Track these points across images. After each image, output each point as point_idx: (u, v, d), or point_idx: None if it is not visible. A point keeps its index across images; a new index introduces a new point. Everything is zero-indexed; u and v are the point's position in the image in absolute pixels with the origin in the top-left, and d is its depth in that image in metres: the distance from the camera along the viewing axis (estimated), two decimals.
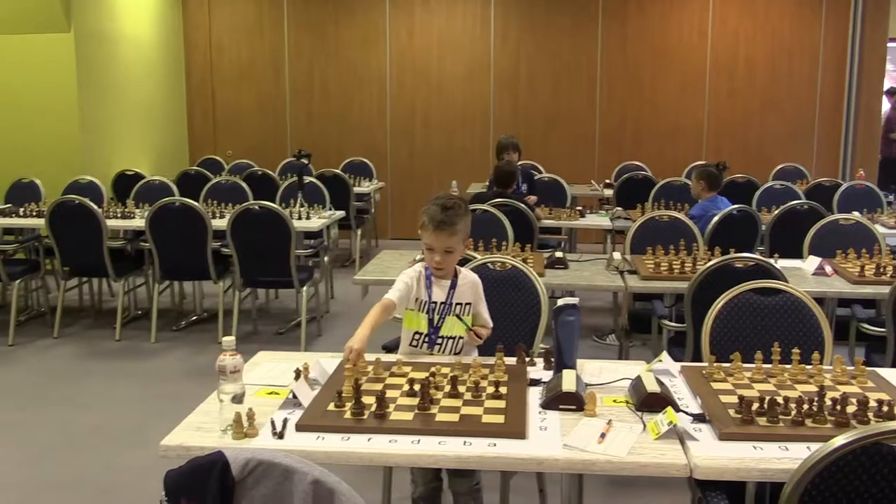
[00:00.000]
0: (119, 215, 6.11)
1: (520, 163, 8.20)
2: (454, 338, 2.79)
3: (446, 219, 2.70)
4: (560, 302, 2.51)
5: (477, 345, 2.82)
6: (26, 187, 6.91)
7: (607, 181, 8.21)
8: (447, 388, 2.33)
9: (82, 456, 3.93)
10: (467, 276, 2.87)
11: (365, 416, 2.15)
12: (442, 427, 2.09)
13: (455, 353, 2.79)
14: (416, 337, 2.76)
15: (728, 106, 9.52)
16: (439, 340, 2.78)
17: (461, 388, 2.34)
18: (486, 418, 2.15)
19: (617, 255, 4.35)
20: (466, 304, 2.80)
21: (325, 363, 2.57)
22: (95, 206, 5.70)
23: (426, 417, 2.15)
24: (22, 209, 6.27)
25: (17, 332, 5.81)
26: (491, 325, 2.84)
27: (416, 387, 2.29)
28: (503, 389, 2.34)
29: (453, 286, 2.81)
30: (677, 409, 2.17)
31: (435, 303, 2.75)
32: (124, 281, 6.01)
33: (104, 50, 8.08)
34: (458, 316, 2.74)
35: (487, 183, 7.17)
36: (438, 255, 2.71)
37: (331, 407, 2.22)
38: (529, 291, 3.17)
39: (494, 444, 2.01)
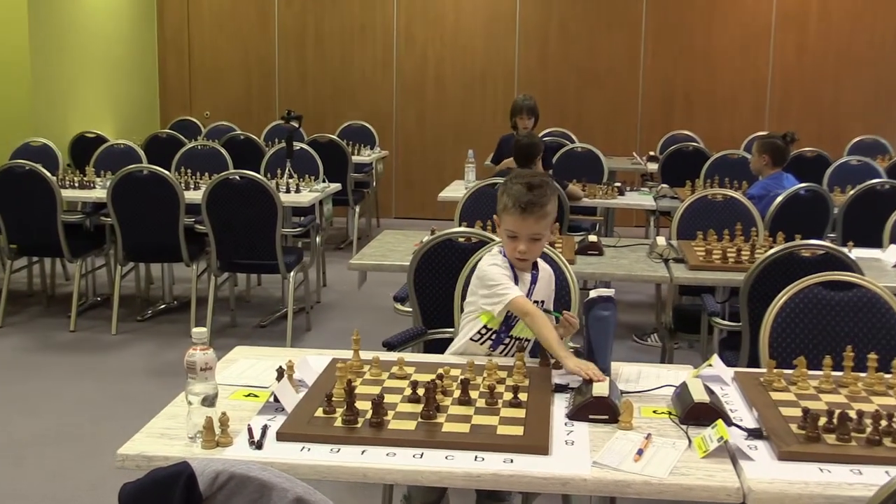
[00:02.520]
0: (76, 185, 6.14)
1: (548, 131, 8.26)
2: (522, 339, 2.80)
3: (534, 199, 2.67)
4: (593, 294, 2.51)
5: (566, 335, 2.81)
6: None
7: (651, 153, 8.20)
8: (457, 394, 2.33)
9: (25, 466, 3.96)
10: (545, 268, 2.87)
11: (359, 425, 2.14)
12: (449, 439, 2.09)
13: None
14: (483, 332, 2.77)
15: (796, 66, 9.44)
16: (506, 340, 2.79)
17: (473, 394, 2.33)
18: (503, 429, 2.15)
19: (661, 241, 4.33)
20: (541, 300, 2.80)
21: (312, 361, 2.57)
22: (48, 174, 5.71)
23: (431, 427, 2.15)
24: None
25: None
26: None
27: (420, 391, 2.29)
28: (523, 396, 2.33)
29: (534, 280, 2.80)
30: (729, 423, 2.15)
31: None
32: (81, 262, 6.03)
33: None
34: (548, 311, 2.74)
35: (492, 156, 7.18)
36: (523, 244, 2.70)
37: (319, 413, 2.22)
38: (558, 281, 3.14)
39: (511, 461, 2.00)
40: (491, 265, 2.77)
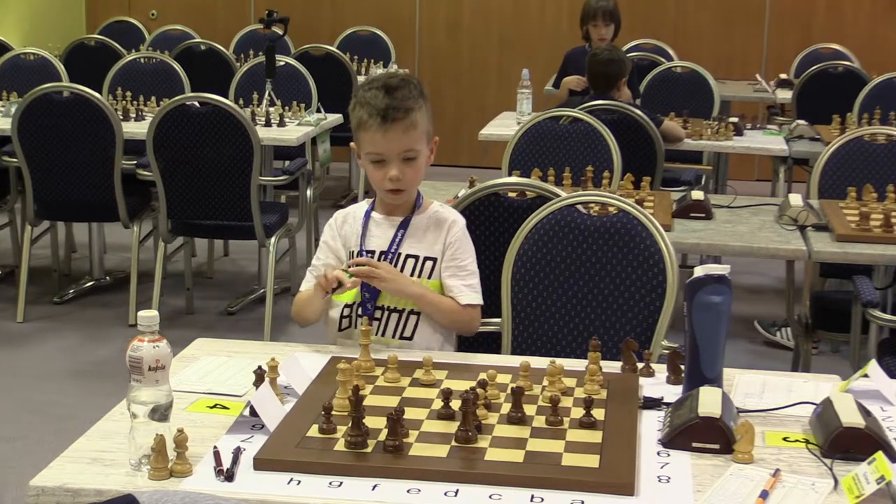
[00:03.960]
0: None
1: (634, 44, 8.21)
2: (402, 311, 2.90)
3: (396, 103, 2.80)
4: (698, 272, 2.50)
5: (458, 328, 2.99)
6: None
7: (782, 76, 8.11)
8: (506, 408, 2.35)
9: None
10: (436, 214, 2.97)
11: (369, 449, 2.17)
12: (495, 470, 2.10)
13: (403, 338, 2.91)
14: (346, 312, 2.94)
15: None
16: (377, 314, 2.89)
17: (529, 409, 2.35)
18: (570, 459, 2.16)
19: (796, 200, 4.31)
20: (427, 259, 2.91)
21: (303, 361, 2.59)
22: None
23: (470, 454, 2.17)
24: None
25: None
26: (475, 302, 2.93)
27: (455, 404, 2.30)
28: (598, 413, 2.35)
29: (404, 225, 2.92)
30: (893, 458, 2.15)
31: (372, 253, 2.89)
32: None
33: None
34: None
35: (554, 78, 7.14)
36: (394, 167, 2.83)
37: (313, 432, 2.24)
38: (646, 253, 3.18)
39: (583, 503, 2.02)
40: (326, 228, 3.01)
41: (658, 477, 2.14)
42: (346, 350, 2.79)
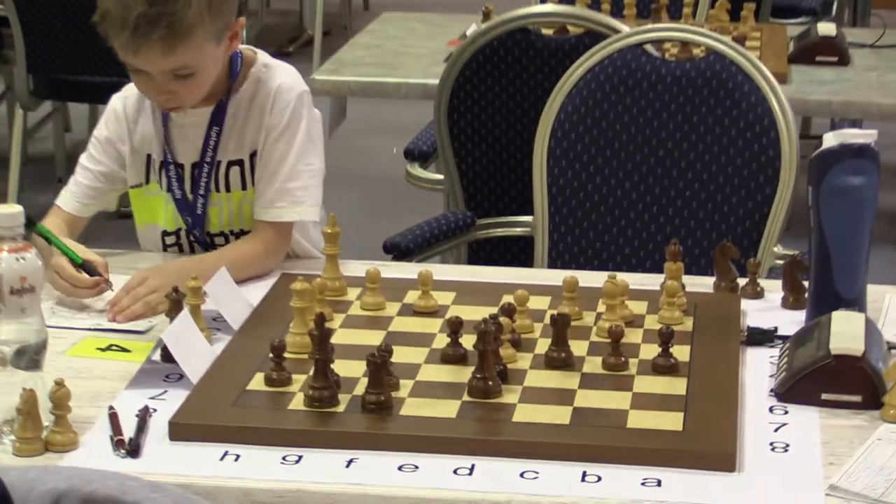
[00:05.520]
0: None
1: None
2: (242, 234, 2.95)
3: (152, 12, 2.70)
4: (829, 142, 2.50)
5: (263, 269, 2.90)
6: None
7: None
8: (541, 346, 2.37)
9: None
10: (258, 84, 2.95)
11: (341, 408, 2.18)
12: (528, 437, 2.12)
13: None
14: (168, 241, 3.02)
15: None
16: (218, 241, 2.95)
17: (578, 348, 2.36)
18: (640, 419, 2.17)
19: None
20: (253, 154, 2.92)
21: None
22: None
23: (490, 414, 2.19)
24: None
25: None
26: (283, 219, 2.90)
27: (468, 341, 2.31)
28: (681, 352, 2.36)
29: (217, 118, 2.91)
30: None
31: (181, 167, 2.94)
32: None
33: None
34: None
35: None
36: (161, 85, 2.83)
37: (257, 384, 2.26)
38: (749, 116, 3.20)
39: (658, 483, 2.03)
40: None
41: (771, 444, 2.14)
42: (299, 263, 2.82)
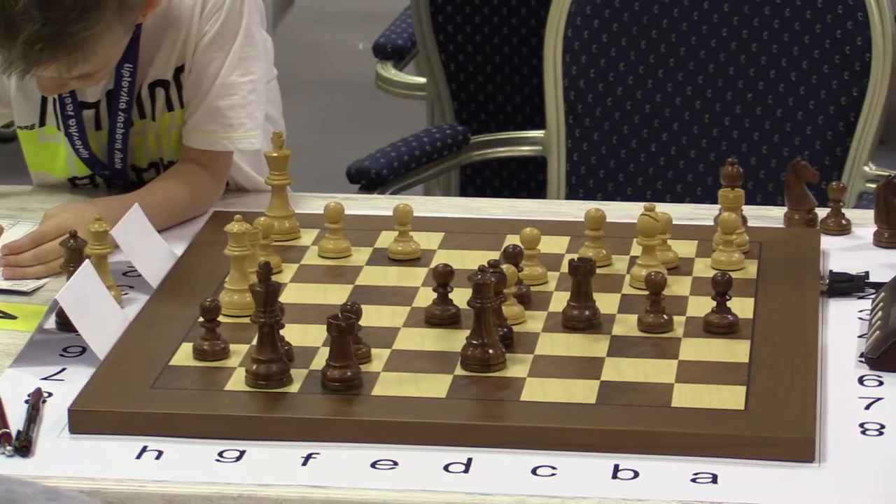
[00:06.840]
0: None
1: None
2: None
3: (45, 33, 2.73)
4: None
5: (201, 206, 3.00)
6: None
7: None
8: (558, 303, 2.42)
9: None
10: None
11: (295, 388, 2.23)
12: (540, 422, 2.16)
13: None
14: (80, 185, 3.11)
15: None
16: (146, 176, 3.07)
17: (606, 303, 2.42)
18: (689, 395, 2.21)
19: None
20: (179, 69, 3.02)
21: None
22: None
23: (492, 391, 2.23)
24: None
25: None
26: (221, 147, 3.00)
27: (460, 296, 2.37)
28: (743, 306, 2.41)
29: (130, 57, 3.02)
30: None
31: (93, 106, 3.03)
32: None
33: None
34: None
35: None
36: (57, 88, 2.97)
37: (182, 357, 2.31)
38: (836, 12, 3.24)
39: (714, 479, 2.06)
40: None
41: (862, 427, 2.18)
42: (236, 198, 2.92)
